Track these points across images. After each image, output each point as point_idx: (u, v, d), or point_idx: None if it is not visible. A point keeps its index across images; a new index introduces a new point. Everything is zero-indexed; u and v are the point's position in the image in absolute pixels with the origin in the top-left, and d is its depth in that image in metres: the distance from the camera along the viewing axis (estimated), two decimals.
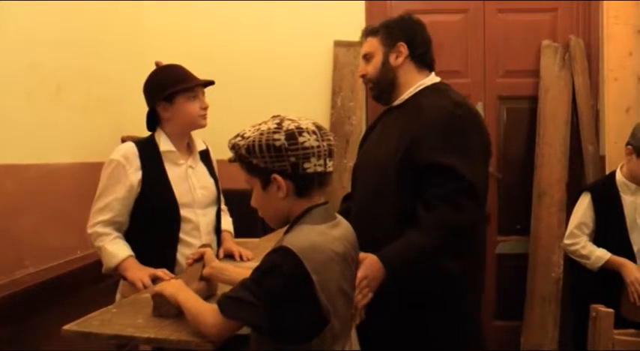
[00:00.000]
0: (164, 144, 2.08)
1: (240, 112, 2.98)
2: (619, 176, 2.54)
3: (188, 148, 2.17)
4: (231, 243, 2.25)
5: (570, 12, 3.39)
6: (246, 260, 2.14)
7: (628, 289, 2.33)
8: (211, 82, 2.14)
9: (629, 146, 2.47)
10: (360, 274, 1.57)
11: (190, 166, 2.13)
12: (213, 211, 2.18)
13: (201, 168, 2.18)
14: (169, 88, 2.04)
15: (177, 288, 1.49)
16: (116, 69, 2.99)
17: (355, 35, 3.20)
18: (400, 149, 1.77)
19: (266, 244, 2.08)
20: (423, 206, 1.69)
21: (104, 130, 2.85)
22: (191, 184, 2.10)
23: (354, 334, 1.47)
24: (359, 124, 3.28)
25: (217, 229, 2.22)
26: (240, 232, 2.41)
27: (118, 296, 2.06)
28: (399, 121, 1.86)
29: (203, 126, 2.12)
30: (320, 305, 1.26)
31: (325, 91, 3.30)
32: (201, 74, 2.14)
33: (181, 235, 2.05)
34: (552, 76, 3.32)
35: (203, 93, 2.13)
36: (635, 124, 2.52)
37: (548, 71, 3.32)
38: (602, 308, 2.18)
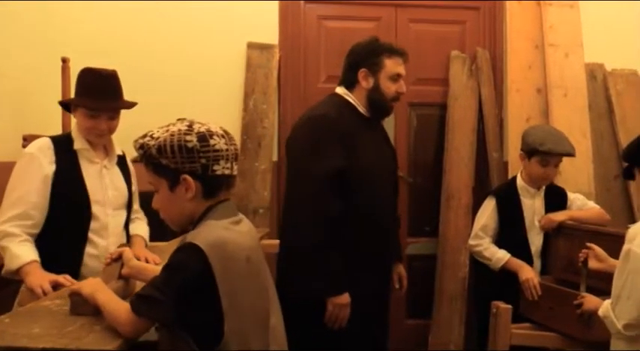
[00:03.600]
0: (79, 142, 2.08)
1: (149, 112, 2.86)
2: (519, 181, 2.69)
3: (105, 149, 2.16)
4: (139, 247, 2.21)
5: (477, 25, 3.56)
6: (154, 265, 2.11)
7: (522, 288, 2.48)
8: (119, 107, 2.10)
9: (522, 152, 2.65)
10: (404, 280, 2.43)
11: (105, 166, 2.13)
12: (123, 214, 2.17)
13: (116, 171, 2.18)
14: (75, 97, 2.05)
15: (95, 287, 1.49)
16: (18, 64, 2.83)
17: (269, 38, 3.21)
18: (394, 158, 2.39)
19: (173, 248, 2.04)
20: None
21: (4, 128, 2.69)
22: (104, 184, 2.10)
23: (279, 332, 1.48)
24: (271, 126, 3.28)
25: (127, 234, 2.20)
26: (151, 235, 2.36)
27: (16, 305, 1.95)
28: (380, 133, 2.32)
29: (97, 143, 2.11)
30: (220, 303, 1.28)
31: (237, 93, 3.27)
32: None
33: (89, 234, 2.02)
34: (460, 86, 3.47)
35: (111, 116, 2.08)
36: (524, 131, 2.70)
37: (456, 80, 3.47)
38: (501, 304, 2.31)
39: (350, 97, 2.21)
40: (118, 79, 2.11)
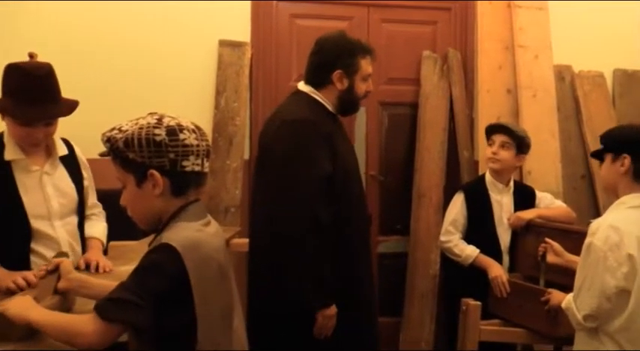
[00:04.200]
0: (11, 151, 1.86)
1: (119, 109, 2.85)
2: (488, 177, 2.75)
3: (46, 148, 1.95)
4: (93, 252, 2.03)
5: (449, 26, 3.60)
6: (102, 272, 1.92)
7: (492, 285, 2.51)
8: (57, 115, 1.88)
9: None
10: None
11: (46, 173, 1.93)
12: (74, 220, 2.01)
13: (61, 173, 1.98)
14: (2, 100, 1.82)
15: (25, 306, 1.35)
16: None
17: (240, 35, 3.20)
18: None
19: (144, 247, 2.01)
20: None
21: None
22: (46, 194, 1.91)
23: (241, 333, 1.46)
24: (243, 124, 3.26)
25: (82, 240, 2.05)
26: (121, 233, 2.30)
27: None
28: (342, 128, 2.23)
29: (30, 151, 1.91)
30: (193, 307, 1.25)
31: (209, 90, 3.24)
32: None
33: (38, 249, 1.88)
34: (432, 85, 3.50)
35: (48, 122, 1.86)
36: None
37: (427, 80, 3.50)
38: (471, 301, 2.34)
39: (317, 96, 2.13)
40: (54, 77, 1.84)
